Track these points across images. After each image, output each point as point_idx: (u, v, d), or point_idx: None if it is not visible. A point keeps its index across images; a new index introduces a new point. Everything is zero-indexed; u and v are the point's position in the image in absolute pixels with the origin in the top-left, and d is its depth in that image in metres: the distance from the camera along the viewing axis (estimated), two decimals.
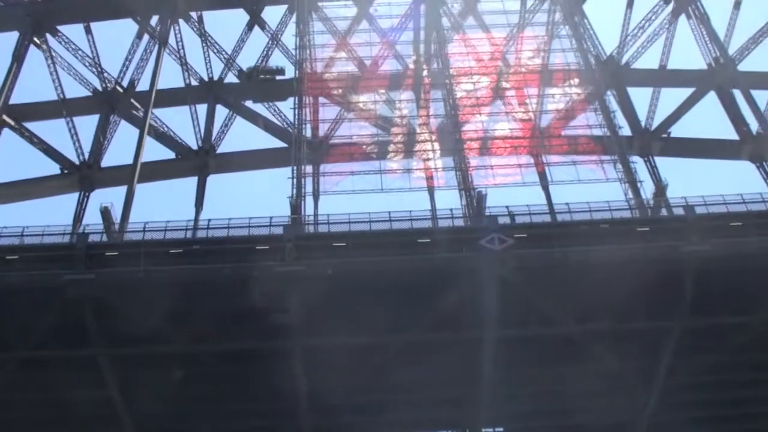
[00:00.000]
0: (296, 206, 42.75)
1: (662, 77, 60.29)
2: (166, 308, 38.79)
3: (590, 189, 46.48)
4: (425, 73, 59.27)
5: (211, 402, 42.54)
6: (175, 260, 38.85)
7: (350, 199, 46.60)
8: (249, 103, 59.66)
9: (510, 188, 47.85)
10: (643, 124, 58.17)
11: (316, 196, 47.06)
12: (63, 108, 55.19)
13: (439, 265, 38.81)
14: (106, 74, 55.45)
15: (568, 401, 44.84)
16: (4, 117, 53.92)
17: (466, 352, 40.99)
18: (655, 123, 58.75)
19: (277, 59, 59.32)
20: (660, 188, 44.78)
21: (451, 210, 41.63)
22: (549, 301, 39.56)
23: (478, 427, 44.93)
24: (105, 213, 41.74)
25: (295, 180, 43.77)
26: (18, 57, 51.97)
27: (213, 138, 57.51)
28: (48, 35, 54.73)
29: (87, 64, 54.99)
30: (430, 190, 47.55)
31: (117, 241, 40.80)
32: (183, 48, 56.11)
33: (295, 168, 44.24)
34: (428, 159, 48.95)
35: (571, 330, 40.49)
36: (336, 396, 42.61)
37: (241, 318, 39.39)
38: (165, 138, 57.13)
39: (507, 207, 40.11)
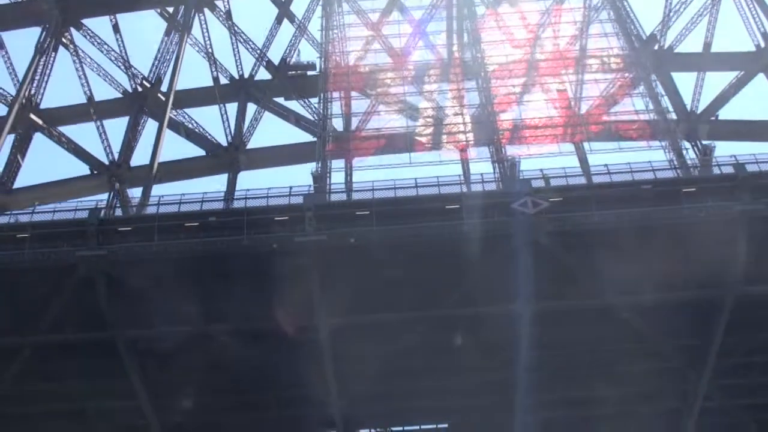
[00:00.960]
0: (318, 177, 39.91)
1: (707, 60, 56.75)
2: (182, 285, 36.18)
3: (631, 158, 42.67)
4: (458, 63, 56.37)
5: (234, 390, 39.63)
6: (190, 234, 36.09)
7: (377, 174, 43.69)
8: (280, 99, 57.20)
9: (545, 159, 44.30)
10: (688, 107, 54.45)
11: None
12: (91, 108, 52.90)
13: (468, 232, 35.49)
14: (134, 70, 53.10)
15: (608, 385, 41.04)
16: (32, 116, 51.98)
17: (500, 329, 37.55)
18: (701, 107, 55.09)
19: (306, 53, 56.88)
20: (707, 150, 41.07)
21: (481, 175, 38.52)
22: (587, 270, 35.99)
23: (512, 414, 40.97)
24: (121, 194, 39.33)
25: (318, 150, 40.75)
26: (42, 50, 49.84)
27: (243, 134, 54.89)
28: (73, 29, 52.67)
29: (113, 57, 52.88)
30: (463, 162, 44.29)
31: (130, 216, 38.21)
32: (210, 41, 53.72)
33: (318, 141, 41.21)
34: (459, 132, 45.71)
35: (612, 302, 36.79)
36: (365, 381, 39.48)
37: (262, 295, 36.52)
38: (194, 135, 54.99)
39: (541, 170, 36.78)
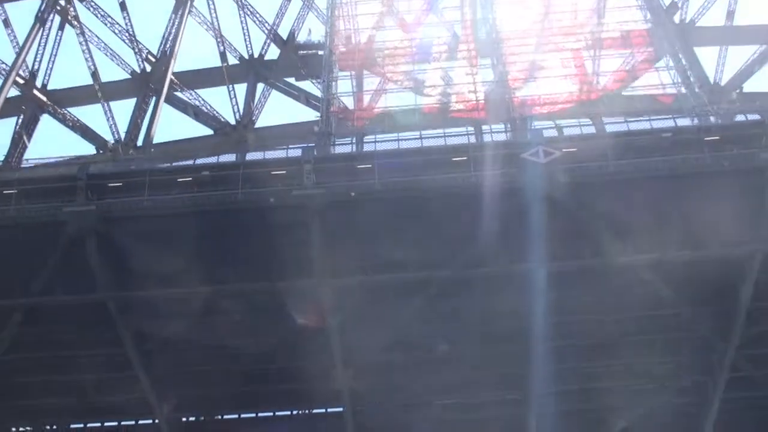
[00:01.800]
0: (321, 135, 37.34)
1: (730, 34, 53.78)
2: (176, 243, 33.69)
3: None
4: (471, 39, 53.63)
5: (233, 357, 36.94)
6: (183, 189, 33.60)
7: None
8: (291, 80, 54.84)
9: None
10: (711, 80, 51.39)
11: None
12: (97, 85, 50.80)
13: (476, 184, 32.71)
14: (140, 45, 50.93)
15: (628, 356, 38.05)
16: (36, 93, 50.01)
17: (512, 292, 34.63)
18: (725, 80, 52.09)
19: (317, 32, 54.46)
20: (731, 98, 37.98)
21: (490, 127, 35.58)
22: (604, 226, 33.06)
23: (529, 389, 37.94)
24: (113, 150, 36.97)
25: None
26: (42, 20, 47.85)
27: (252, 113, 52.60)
28: (77, 2, 50.67)
29: (117, 31, 50.79)
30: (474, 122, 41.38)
31: (120, 170, 35.80)
32: (217, 19, 51.57)
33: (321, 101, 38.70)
34: (470, 92, 42.94)
35: (631, 261, 33.77)
36: (371, 350, 36.71)
37: (259, 255, 33.93)
38: (203, 115, 52.77)
39: (554, 121, 33.89)
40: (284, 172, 33.70)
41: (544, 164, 32.44)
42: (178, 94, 53.25)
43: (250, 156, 35.05)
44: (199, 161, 35.32)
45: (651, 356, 38.66)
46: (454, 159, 33.73)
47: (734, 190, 32.59)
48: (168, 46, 51.83)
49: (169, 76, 46.43)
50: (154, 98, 50.17)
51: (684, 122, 35.43)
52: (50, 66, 52.17)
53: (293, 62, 55.12)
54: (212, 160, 35.46)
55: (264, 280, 34.40)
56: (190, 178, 33.86)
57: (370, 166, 33.62)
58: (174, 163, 35.42)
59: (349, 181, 33.44)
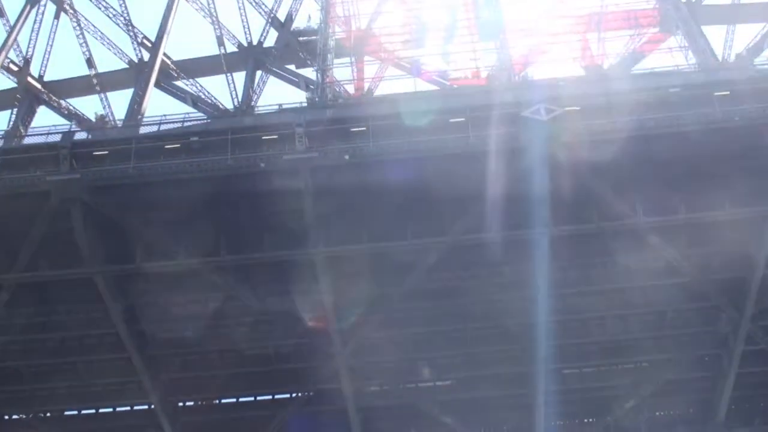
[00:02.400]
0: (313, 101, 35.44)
1: (738, 12, 51.62)
2: (164, 214, 31.80)
3: None
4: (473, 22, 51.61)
5: (224, 325, 34.98)
6: (172, 156, 31.67)
7: None
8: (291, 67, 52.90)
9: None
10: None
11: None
12: (93, 71, 49.07)
13: (475, 145, 30.66)
14: (135, 30, 49.16)
15: (638, 329, 35.81)
16: (31, 80, 48.29)
17: (514, 260, 32.55)
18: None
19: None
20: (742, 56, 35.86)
21: (489, 85, 33.52)
22: (611, 188, 30.97)
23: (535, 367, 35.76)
24: (100, 120, 35.11)
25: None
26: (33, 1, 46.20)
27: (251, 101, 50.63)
28: None
29: (112, 15, 49.06)
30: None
31: (106, 137, 33.88)
32: (213, 2, 49.75)
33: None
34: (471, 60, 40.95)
35: (638, 225, 31.66)
36: (369, 324, 34.66)
37: (252, 224, 31.99)
38: (202, 102, 50.83)
39: (556, 78, 31.85)
40: (276, 137, 31.64)
41: (546, 122, 30.19)
42: (177, 82, 51.49)
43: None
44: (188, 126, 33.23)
45: (661, 329, 36.35)
46: (452, 120, 31.53)
47: (745, 147, 30.39)
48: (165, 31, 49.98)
49: (161, 55, 44.30)
50: (163, 94, 48.45)
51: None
52: (46, 57, 50.55)
53: (293, 49, 53.29)
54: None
55: (257, 251, 32.18)
56: (179, 145, 31.87)
57: (364, 128, 31.53)
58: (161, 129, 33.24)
59: (344, 145, 31.23)
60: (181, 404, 38.65)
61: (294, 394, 38.28)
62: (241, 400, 39.44)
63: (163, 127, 33.51)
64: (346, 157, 31.03)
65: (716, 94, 31.03)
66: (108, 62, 52.26)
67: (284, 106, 49.88)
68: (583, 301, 35.29)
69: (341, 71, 45.17)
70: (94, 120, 36.17)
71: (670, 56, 42.69)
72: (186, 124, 34.25)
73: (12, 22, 47.68)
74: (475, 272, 34.09)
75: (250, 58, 53.40)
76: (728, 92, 31.03)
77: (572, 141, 30.57)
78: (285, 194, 31.31)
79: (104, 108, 48.25)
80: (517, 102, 31.42)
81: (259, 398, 39.17)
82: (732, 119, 30.57)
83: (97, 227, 32.34)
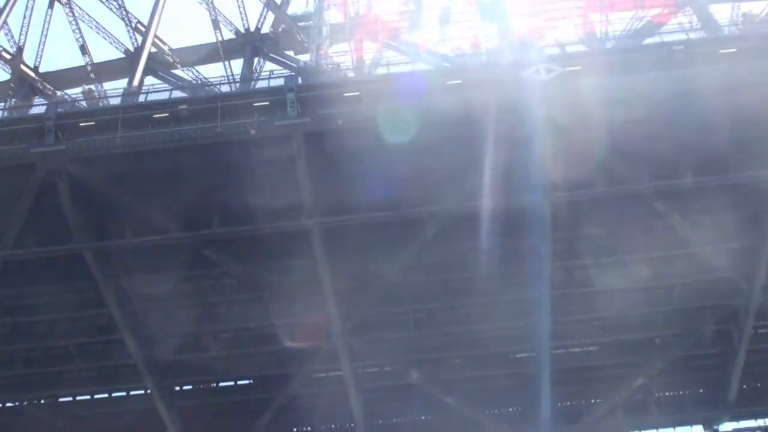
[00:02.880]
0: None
1: None
2: (154, 186, 30.31)
3: None
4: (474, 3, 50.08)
5: (218, 303, 33.64)
6: (160, 126, 30.19)
7: None
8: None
9: None
10: None
11: None
12: (88, 59, 47.72)
13: (473, 108, 29.07)
14: (130, 15, 47.80)
15: (646, 304, 34.33)
16: (24, 68, 46.98)
17: (517, 227, 30.96)
18: None
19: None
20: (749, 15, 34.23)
21: (487, 48, 31.97)
22: (613, 150, 29.38)
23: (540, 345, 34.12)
24: (88, 93, 33.67)
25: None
26: None
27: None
28: None
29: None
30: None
31: (91, 108, 32.42)
32: None
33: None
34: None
35: (643, 189, 30.07)
36: (369, 296, 33.08)
37: (243, 195, 30.43)
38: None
39: (556, 39, 30.29)
40: (267, 103, 30.13)
41: (546, 82, 28.61)
42: (175, 71, 50.09)
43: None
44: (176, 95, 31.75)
45: (668, 303, 34.63)
46: (448, 83, 29.97)
47: (754, 104, 28.74)
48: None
49: (152, 35, 42.87)
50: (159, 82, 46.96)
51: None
52: (41, 47, 49.29)
53: (291, 35, 51.89)
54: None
55: (250, 224, 30.65)
56: (167, 114, 30.35)
57: (358, 93, 29.98)
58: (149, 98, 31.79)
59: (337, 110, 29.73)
60: (177, 388, 36.96)
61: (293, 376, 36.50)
62: (239, 383, 37.72)
63: (151, 97, 31.78)
64: (340, 122, 29.41)
65: (722, 51, 29.27)
66: (103, 52, 51.14)
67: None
68: (584, 274, 33.55)
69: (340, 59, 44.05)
70: (82, 95, 34.36)
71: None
72: (174, 93, 32.37)
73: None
74: (475, 244, 32.24)
75: (248, 45, 52.07)
76: (734, 49, 29.33)
77: (574, 102, 28.82)
78: (277, 163, 29.73)
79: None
80: (516, 62, 29.72)
81: (257, 381, 37.43)
82: (737, 77, 28.81)
83: (86, 202, 30.93)
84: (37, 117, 31.16)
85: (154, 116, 30.59)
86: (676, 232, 32.07)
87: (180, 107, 30.27)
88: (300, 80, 31.34)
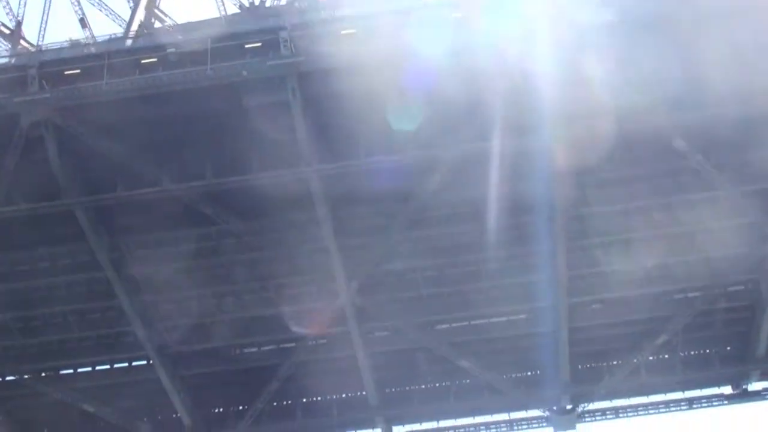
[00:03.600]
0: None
1: None
2: (143, 135, 28.26)
3: None
4: None
5: (219, 264, 31.58)
6: (148, 72, 28.14)
7: None
8: None
9: None
10: None
11: None
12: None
13: (477, 42, 26.83)
14: None
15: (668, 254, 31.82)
16: (23, 43, 45.01)
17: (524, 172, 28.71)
18: None
19: None
20: None
21: None
22: (620, 78, 27.05)
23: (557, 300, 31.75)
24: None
25: None
26: None
27: None
28: None
29: None
30: None
31: (77, 55, 30.45)
32: None
33: None
34: None
35: (660, 123, 27.74)
36: (374, 253, 30.86)
37: (236, 143, 28.38)
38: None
39: None
40: (259, 44, 28.01)
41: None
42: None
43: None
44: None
45: (691, 253, 32.11)
46: (454, 15, 27.78)
47: None
48: None
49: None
50: None
51: None
52: (43, 26, 47.44)
53: (296, 8, 49.86)
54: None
55: (246, 174, 28.54)
56: (155, 59, 28.29)
57: (354, 31, 27.78)
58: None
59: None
60: (179, 355, 34.85)
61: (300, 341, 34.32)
62: (245, 350, 35.57)
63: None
64: (335, 59, 27.18)
65: None
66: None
67: None
68: (598, 224, 31.19)
69: None
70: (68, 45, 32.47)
71: None
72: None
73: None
74: (484, 193, 29.92)
75: (252, 19, 50.17)
76: None
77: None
78: (271, 108, 27.58)
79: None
80: None
81: (263, 347, 35.27)
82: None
83: (74, 155, 28.98)
84: (20, 66, 29.26)
85: (142, 62, 28.50)
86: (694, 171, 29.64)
87: (168, 51, 28.07)
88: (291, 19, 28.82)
